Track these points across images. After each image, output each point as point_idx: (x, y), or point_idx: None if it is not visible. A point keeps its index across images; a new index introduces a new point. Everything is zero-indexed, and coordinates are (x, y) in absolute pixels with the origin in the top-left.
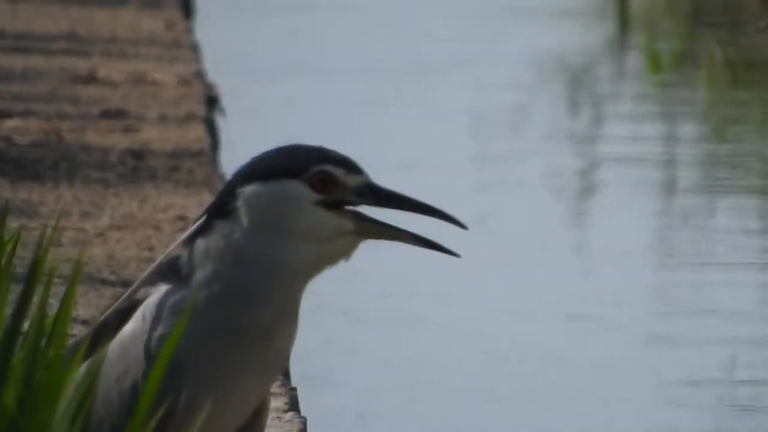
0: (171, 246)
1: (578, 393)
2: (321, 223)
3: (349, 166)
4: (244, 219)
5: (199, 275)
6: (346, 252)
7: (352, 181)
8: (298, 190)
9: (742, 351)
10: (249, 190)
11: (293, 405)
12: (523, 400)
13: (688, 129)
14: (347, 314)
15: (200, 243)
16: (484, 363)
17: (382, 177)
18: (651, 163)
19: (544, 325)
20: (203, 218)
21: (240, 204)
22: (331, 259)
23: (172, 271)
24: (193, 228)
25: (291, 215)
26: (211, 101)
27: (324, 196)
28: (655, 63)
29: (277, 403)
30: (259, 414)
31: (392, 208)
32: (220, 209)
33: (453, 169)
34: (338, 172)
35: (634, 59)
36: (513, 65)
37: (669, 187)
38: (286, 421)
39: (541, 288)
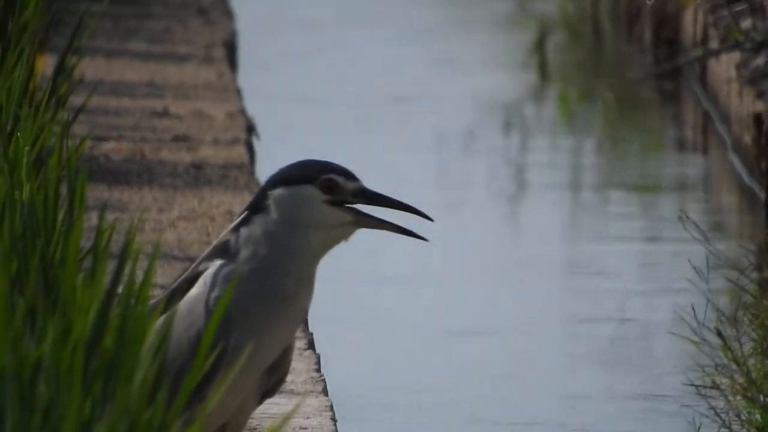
0: (222, 233)
1: (510, 326)
2: (328, 217)
3: (348, 175)
4: (273, 213)
5: (243, 254)
6: (345, 237)
7: (350, 186)
8: (311, 192)
9: (628, 299)
10: (277, 192)
11: (310, 345)
12: (471, 332)
13: (589, 144)
14: (343, 278)
15: (243, 231)
16: (445, 310)
17: (370, 177)
18: (563, 167)
19: (487, 280)
20: (245, 213)
21: (270, 202)
22: (335, 242)
23: (223, 251)
24: (237, 220)
25: (307, 211)
26: (250, 129)
27: (330, 197)
28: (565, 100)
29: (299, 343)
30: (287, 352)
31: (379, 205)
32: (257, 206)
33: (421, 173)
34: (340, 180)
35: (551, 97)
36: (463, 99)
37: (576, 184)
38: (305, 357)
39: (485, 254)
